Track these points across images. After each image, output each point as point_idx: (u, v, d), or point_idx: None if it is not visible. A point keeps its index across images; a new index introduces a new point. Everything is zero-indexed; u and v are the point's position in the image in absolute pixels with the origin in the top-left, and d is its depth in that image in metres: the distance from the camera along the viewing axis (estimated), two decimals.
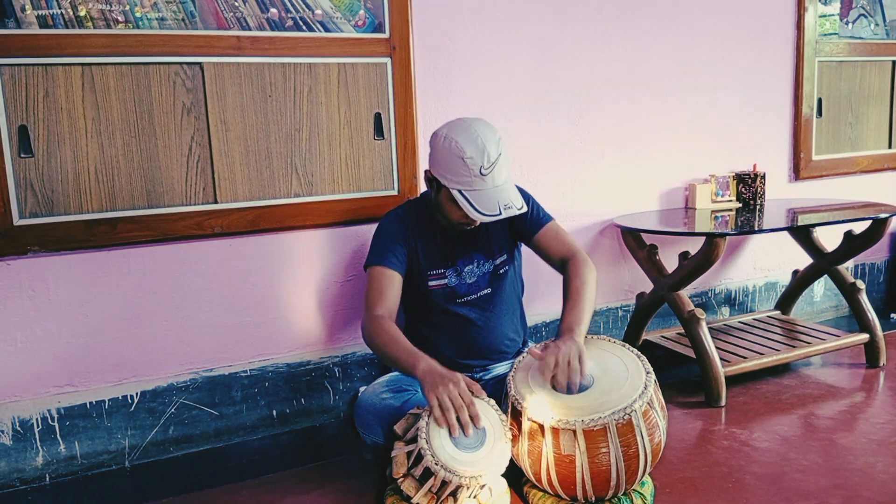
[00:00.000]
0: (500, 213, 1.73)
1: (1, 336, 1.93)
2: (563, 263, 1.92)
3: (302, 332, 2.26)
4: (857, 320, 2.68)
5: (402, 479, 1.58)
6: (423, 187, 2.32)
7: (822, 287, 3.27)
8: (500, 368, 2.01)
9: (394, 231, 1.92)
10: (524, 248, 2.09)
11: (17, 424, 1.97)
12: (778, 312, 2.99)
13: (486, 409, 1.67)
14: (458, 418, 1.57)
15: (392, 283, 1.86)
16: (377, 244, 1.92)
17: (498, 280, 1.99)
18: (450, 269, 1.95)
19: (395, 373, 1.95)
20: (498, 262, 1.99)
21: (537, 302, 2.56)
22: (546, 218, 1.99)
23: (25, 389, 1.97)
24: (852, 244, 2.65)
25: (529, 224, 1.97)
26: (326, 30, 2.14)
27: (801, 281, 2.90)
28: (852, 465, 1.90)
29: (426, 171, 1.88)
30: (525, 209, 1.78)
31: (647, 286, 2.59)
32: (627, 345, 1.78)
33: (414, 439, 1.58)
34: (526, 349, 1.85)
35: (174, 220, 2.04)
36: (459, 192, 1.75)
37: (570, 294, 1.82)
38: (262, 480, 1.97)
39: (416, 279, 1.94)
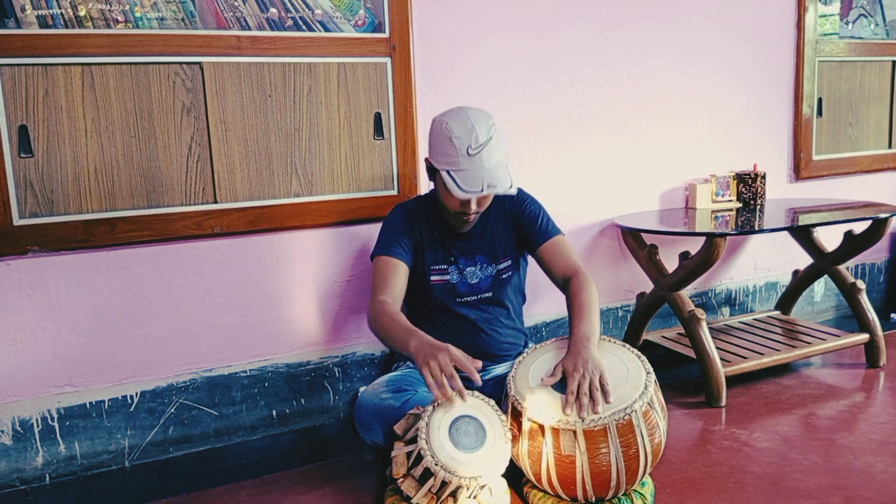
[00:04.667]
0: (483, 191, 1.74)
1: (1, 336, 1.93)
2: (567, 280, 1.89)
3: (302, 332, 2.26)
4: (857, 320, 2.68)
5: (402, 480, 1.58)
6: (422, 188, 2.32)
7: (822, 287, 3.27)
8: (500, 369, 2.01)
9: (401, 222, 1.94)
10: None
11: (17, 424, 1.97)
12: (778, 312, 2.99)
13: (486, 410, 1.67)
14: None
15: (397, 272, 1.87)
16: (384, 235, 1.94)
17: (500, 285, 1.99)
18: (452, 266, 1.96)
19: (395, 373, 1.96)
20: (501, 266, 1.99)
21: (538, 303, 2.56)
22: (555, 231, 1.98)
23: (25, 389, 1.97)
24: (852, 244, 2.65)
25: (537, 233, 1.96)
26: (326, 29, 2.14)
27: (802, 281, 2.90)
28: (852, 465, 1.90)
29: (426, 159, 1.89)
30: (513, 191, 1.78)
31: (648, 286, 2.58)
32: (628, 345, 1.78)
33: (414, 439, 1.58)
34: (526, 350, 1.85)
35: (174, 220, 2.04)
36: (448, 172, 1.77)
37: (579, 307, 1.80)
38: (262, 480, 1.96)
39: (418, 272, 1.95)
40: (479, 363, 1.61)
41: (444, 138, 1.78)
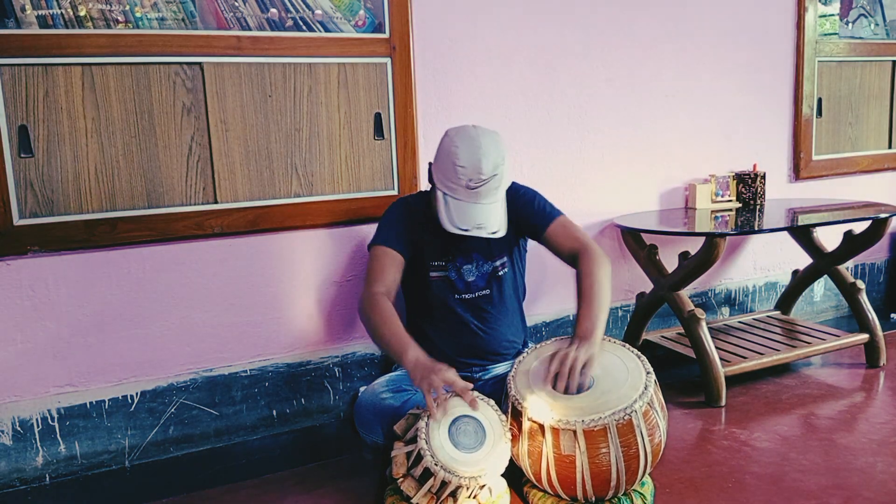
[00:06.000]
0: (468, 231, 1.75)
1: (1, 336, 1.93)
2: (574, 258, 1.88)
3: (302, 332, 2.26)
4: (857, 320, 2.68)
5: (401, 480, 1.58)
6: (422, 188, 2.32)
7: (822, 287, 3.27)
8: (499, 368, 2.01)
9: (401, 215, 1.94)
10: (530, 245, 2.09)
11: (17, 424, 1.97)
12: (778, 312, 2.99)
13: (486, 409, 1.67)
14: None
15: (393, 263, 1.87)
16: (383, 226, 1.94)
17: (497, 282, 1.99)
18: (449, 263, 1.96)
19: (395, 373, 1.96)
20: (497, 263, 1.98)
21: (538, 302, 2.56)
22: (554, 213, 1.96)
23: (25, 389, 1.97)
24: (852, 244, 2.65)
25: (537, 218, 1.95)
26: (326, 30, 2.14)
27: (801, 281, 2.90)
28: (852, 465, 1.90)
29: (429, 164, 1.89)
30: (499, 235, 1.79)
31: (647, 286, 2.58)
32: (627, 345, 1.78)
33: (414, 439, 1.58)
34: (526, 349, 1.85)
35: (174, 220, 2.04)
36: (444, 194, 1.77)
37: (583, 296, 1.78)
38: (262, 480, 1.97)
39: (418, 269, 1.94)
40: (471, 388, 1.65)
41: (449, 162, 1.77)
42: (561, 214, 1.97)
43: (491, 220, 1.76)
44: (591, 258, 1.83)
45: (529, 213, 1.95)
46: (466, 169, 1.73)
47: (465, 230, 1.74)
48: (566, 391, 1.63)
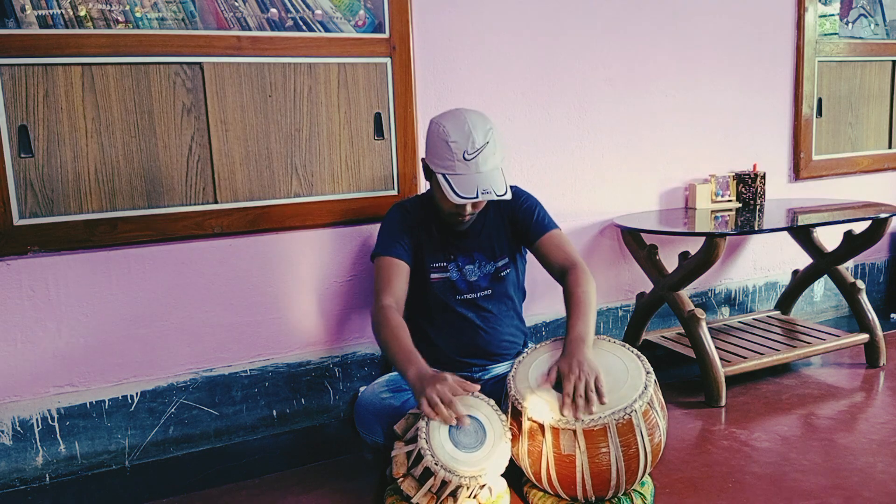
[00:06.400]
0: (477, 196, 1.74)
1: (1, 336, 1.93)
2: (564, 273, 1.90)
3: (302, 332, 2.26)
4: (857, 320, 2.68)
5: (402, 479, 1.58)
6: (422, 187, 2.33)
7: (822, 287, 3.27)
8: (499, 368, 2.01)
9: (400, 222, 1.94)
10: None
11: (17, 424, 1.97)
12: (778, 312, 2.99)
13: (486, 409, 1.67)
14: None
15: (399, 273, 1.88)
16: (384, 235, 1.94)
17: (499, 282, 1.99)
18: (451, 263, 1.96)
19: (396, 373, 1.95)
20: (500, 264, 1.99)
21: (537, 302, 2.56)
22: (551, 225, 1.98)
23: (25, 389, 1.97)
24: (852, 244, 2.65)
25: (534, 227, 1.96)
26: (326, 30, 2.14)
27: (801, 281, 2.90)
28: (852, 465, 1.90)
29: (423, 160, 1.90)
30: (507, 196, 1.78)
31: (647, 286, 2.59)
32: (627, 345, 1.78)
33: (414, 439, 1.58)
34: (526, 349, 1.85)
35: (174, 220, 2.04)
36: (443, 175, 1.77)
37: (575, 304, 1.80)
38: (262, 480, 1.97)
39: (418, 271, 1.95)
40: (477, 387, 1.64)
41: (441, 141, 1.78)
42: (558, 228, 1.99)
43: (494, 184, 1.76)
44: (582, 274, 1.86)
45: (529, 221, 1.97)
46: (459, 143, 1.76)
47: (473, 196, 1.74)
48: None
